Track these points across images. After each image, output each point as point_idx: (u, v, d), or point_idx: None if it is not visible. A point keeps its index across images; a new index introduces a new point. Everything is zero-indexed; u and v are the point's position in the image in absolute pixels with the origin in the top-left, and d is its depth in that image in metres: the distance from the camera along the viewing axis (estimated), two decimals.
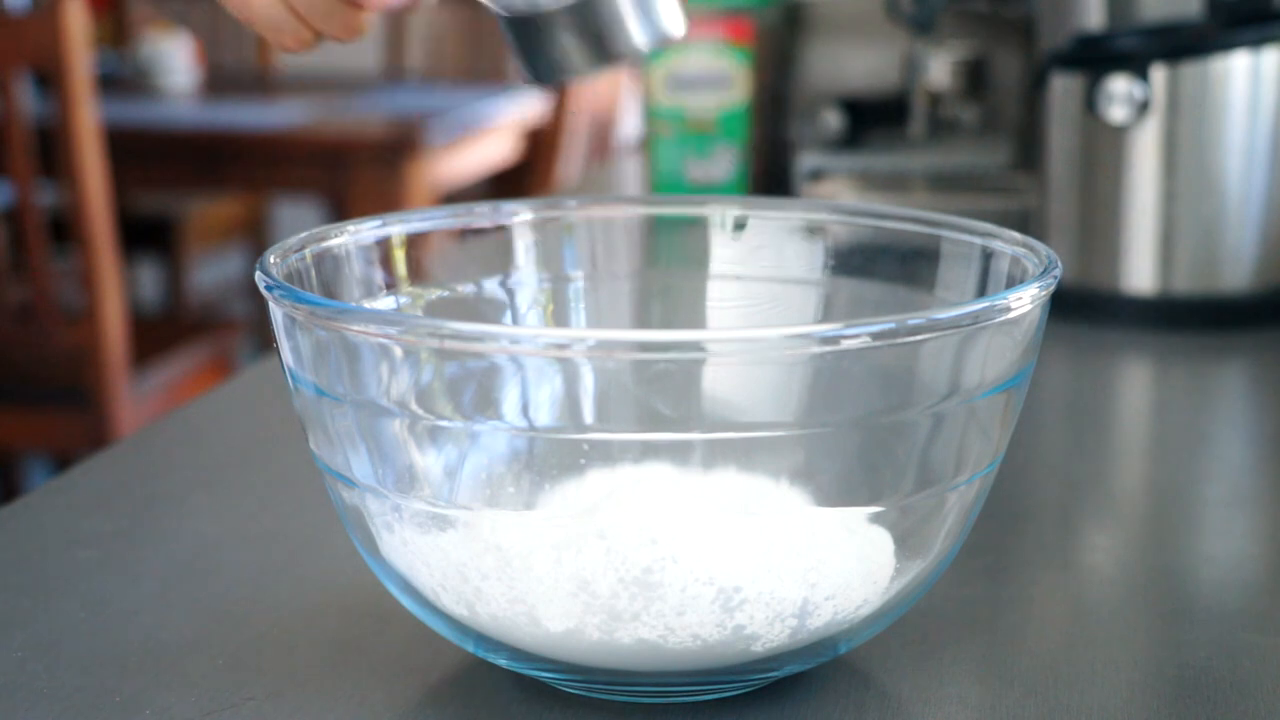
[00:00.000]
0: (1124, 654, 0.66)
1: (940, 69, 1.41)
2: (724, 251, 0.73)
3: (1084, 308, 1.15)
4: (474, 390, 0.61)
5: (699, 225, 0.74)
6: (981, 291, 0.66)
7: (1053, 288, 0.59)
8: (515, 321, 0.72)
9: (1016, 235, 0.65)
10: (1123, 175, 1.14)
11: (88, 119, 2.21)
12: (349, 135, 2.78)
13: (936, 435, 0.59)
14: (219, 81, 3.40)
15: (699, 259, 0.74)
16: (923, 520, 0.60)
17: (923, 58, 1.41)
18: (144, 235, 3.35)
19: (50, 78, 2.21)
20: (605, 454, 0.61)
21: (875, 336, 0.54)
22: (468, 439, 0.60)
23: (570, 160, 3.36)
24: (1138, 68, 1.12)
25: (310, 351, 0.58)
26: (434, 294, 0.70)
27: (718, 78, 1.42)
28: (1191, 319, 1.13)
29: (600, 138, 3.53)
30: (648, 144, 1.48)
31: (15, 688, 0.62)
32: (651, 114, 1.46)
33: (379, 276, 0.68)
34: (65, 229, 2.32)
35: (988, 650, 0.65)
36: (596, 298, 0.74)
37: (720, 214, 0.73)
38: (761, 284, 0.73)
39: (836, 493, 0.59)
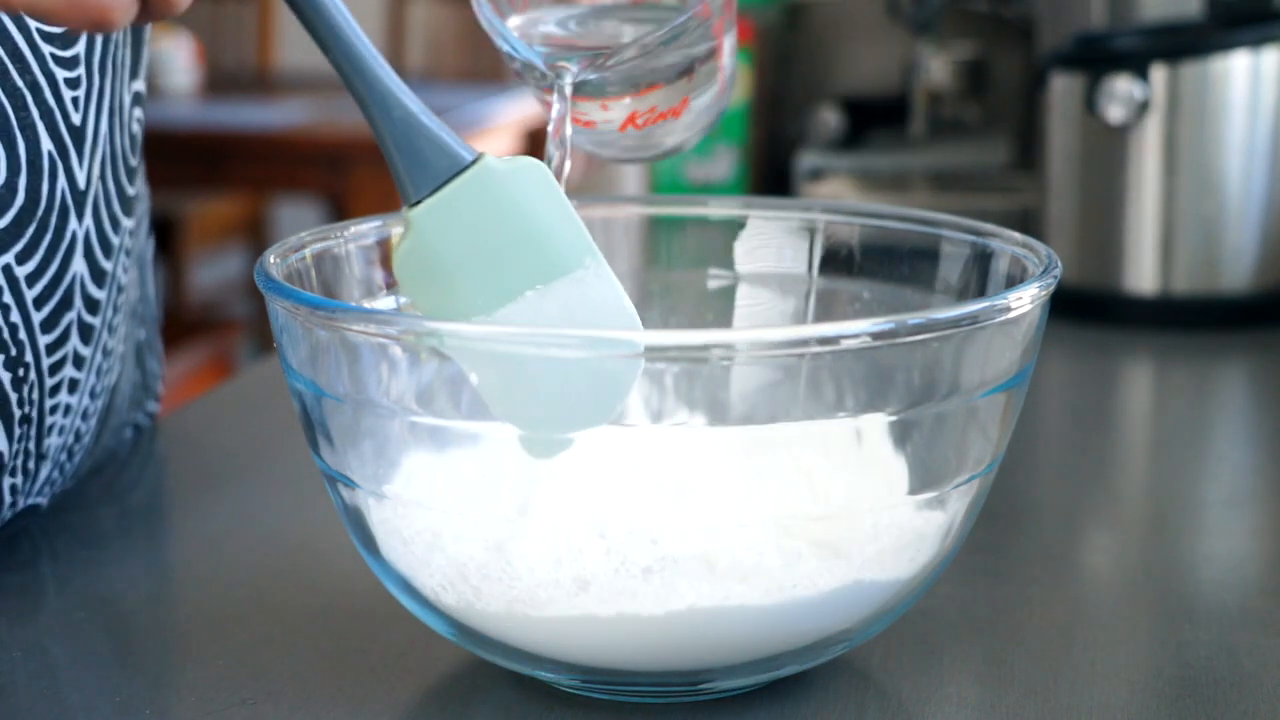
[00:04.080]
0: (1124, 654, 0.66)
1: (940, 69, 1.41)
2: (724, 252, 0.73)
3: (1084, 308, 1.15)
4: (474, 390, 0.61)
5: (699, 225, 0.74)
6: (981, 291, 0.66)
7: (1053, 288, 0.59)
8: None
9: (1016, 235, 0.65)
10: (1123, 175, 1.14)
11: None
12: (349, 135, 2.78)
13: (936, 435, 0.59)
14: (219, 81, 3.40)
15: (699, 259, 0.74)
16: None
17: (923, 58, 1.42)
18: None
19: None
20: (604, 453, 0.61)
21: (875, 336, 0.54)
22: (468, 439, 0.60)
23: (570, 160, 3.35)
24: (1138, 68, 1.12)
25: (310, 351, 0.58)
26: None
27: None
28: (1191, 319, 1.13)
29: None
30: None
31: (15, 687, 0.62)
32: None
33: (379, 276, 0.68)
34: None
35: (988, 650, 0.65)
36: None
37: (720, 214, 0.73)
38: (761, 284, 0.73)
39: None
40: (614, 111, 0.65)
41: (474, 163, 0.56)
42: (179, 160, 2.75)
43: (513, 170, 0.56)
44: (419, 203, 0.56)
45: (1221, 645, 0.65)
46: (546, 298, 0.55)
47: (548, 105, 0.65)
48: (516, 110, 3.21)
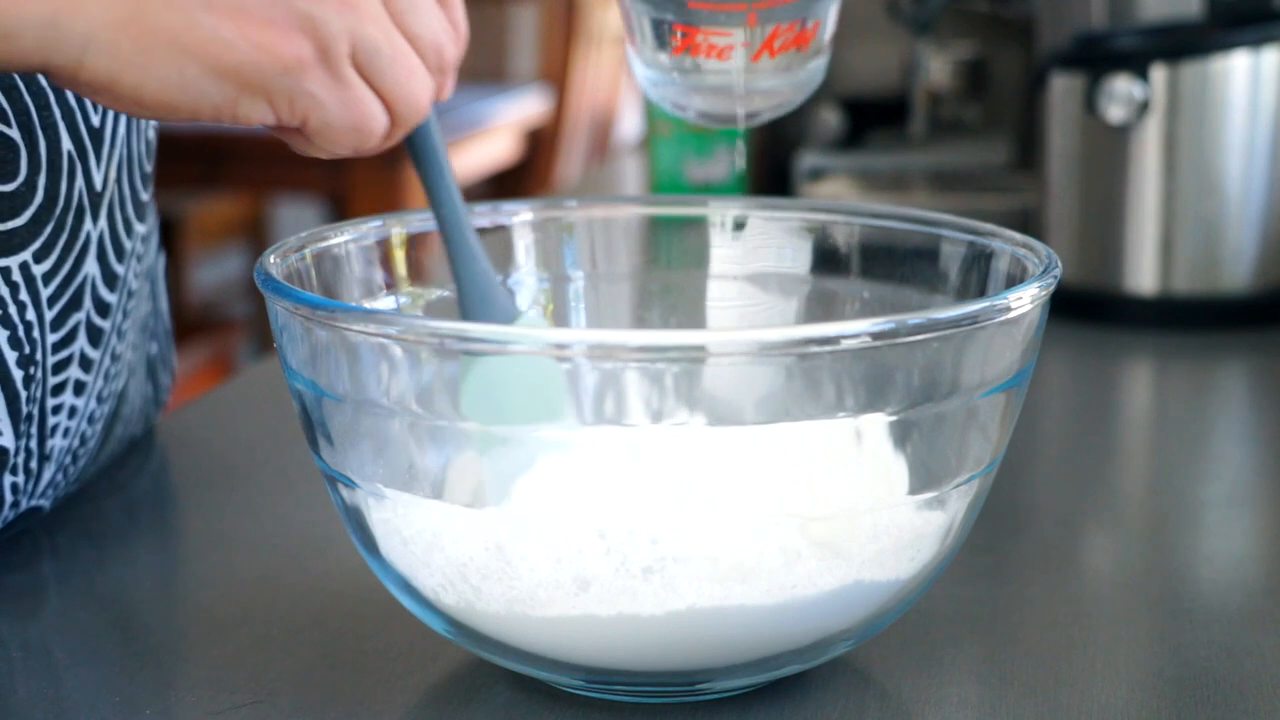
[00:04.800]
0: (1124, 654, 0.66)
1: (940, 69, 1.41)
2: (724, 251, 0.73)
3: (1084, 308, 1.15)
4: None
5: (699, 225, 0.74)
6: (981, 291, 0.66)
7: (1053, 288, 0.59)
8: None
9: (1016, 235, 0.65)
10: (1123, 175, 1.14)
11: None
12: None
13: (936, 435, 0.59)
14: None
15: (699, 259, 0.74)
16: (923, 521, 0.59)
17: (923, 58, 1.42)
18: None
19: None
20: (605, 453, 0.61)
21: (875, 336, 0.54)
22: (468, 439, 0.60)
23: (570, 160, 3.36)
24: (1138, 68, 1.12)
25: (310, 351, 0.58)
26: (434, 294, 0.70)
27: None
28: (1191, 319, 1.13)
29: (600, 138, 3.53)
30: (648, 144, 1.47)
31: (15, 687, 0.62)
32: (651, 114, 1.45)
33: (379, 276, 0.68)
34: None
35: (988, 650, 0.65)
36: (596, 298, 0.74)
37: (720, 214, 0.73)
38: (761, 284, 0.73)
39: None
40: (756, 31, 0.68)
41: (517, 316, 0.65)
42: (179, 160, 2.74)
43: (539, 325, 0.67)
44: None
45: (1221, 645, 0.65)
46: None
47: (680, 40, 0.68)
48: (516, 110, 3.21)
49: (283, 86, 0.57)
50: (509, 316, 0.64)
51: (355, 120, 0.58)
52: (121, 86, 0.56)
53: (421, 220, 0.70)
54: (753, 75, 0.69)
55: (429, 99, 0.60)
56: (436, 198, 0.63)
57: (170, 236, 3.35)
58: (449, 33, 0.61)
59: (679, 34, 0.68)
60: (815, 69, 0.70)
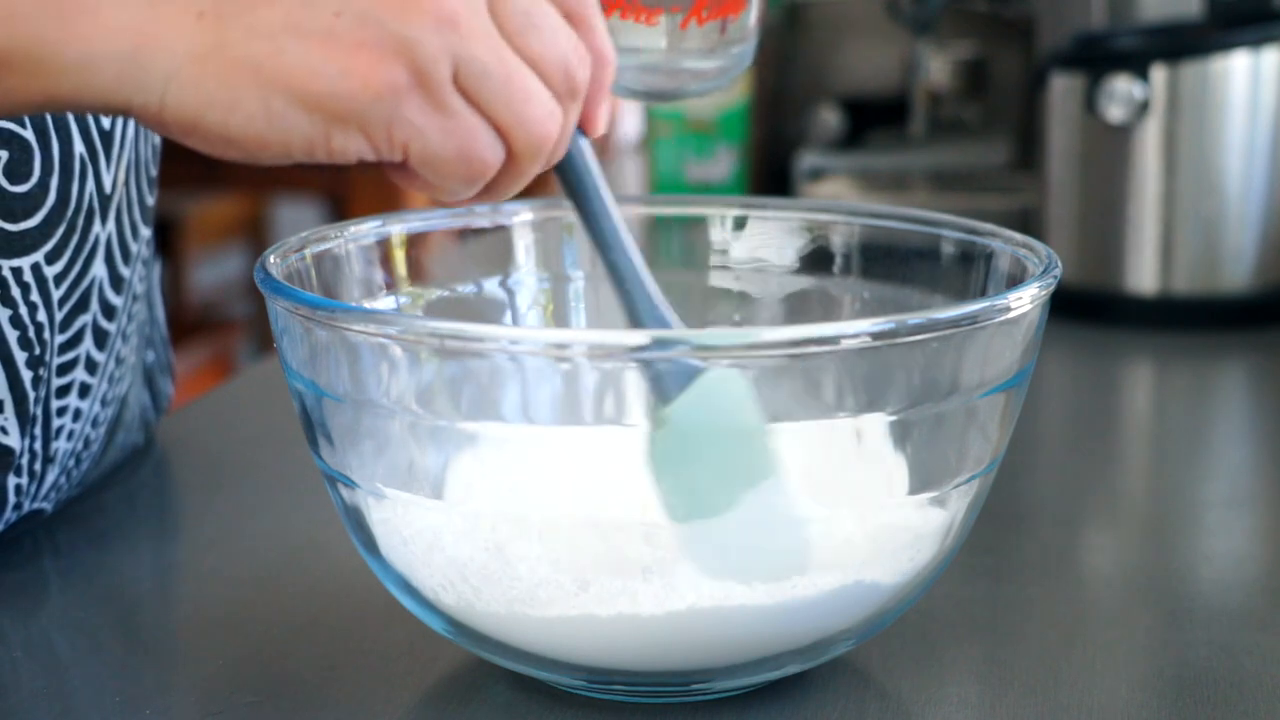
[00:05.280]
0: (1124, 654, 0.66)
1: (940, 69, 1.41)
2: (724, 252, 0.73)
3: (1084, 308, 1.15)
4: (474, 390, 0.61)
5: (699, 225, 0.74)
6: (981, 291, 0.66)
7: (1053, 288, 0.59)
8: (515, 321, 0.72)
9: (1016, 235, 0.65)
10: (1123, 175, 1.14)
11: None
12: None
13: (936, 435, 0.59)
14: None
15: (699, 259, 0.74)
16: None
17: (923, 58, 1.42)
18: None
19: None
20: (604, 453, 0.61)
21: (875, 336, 0.54)
22: (467, 439, 0.60)
23: None
24: (1138, 68, 1.12)
25: (310, 351, 0.58)
26: (434, 294, 0.70)
27: None
28: (1191, 319, 1.13)
29: (600, 138, 3.52)
30: (648, 144, 1.48)
31: (15, 687, 0.62)
32: (651, 114, 1.46)
33: (379, 276, 0.68)
34: None
35: (988, 650, 0.65)
36: (596, 298, 0.74)
37: (720, 214, 0.73)
38: (761, 284, 0.73)
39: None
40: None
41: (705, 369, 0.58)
42: (179, 160, 2.74)
43: (735, 376, 0.58)
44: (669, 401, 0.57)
45: (1221, 645, 0.65)
46: (765, 491, 0.57)
47: (608, 3, 0.66)
48: None
49: (377, 115, 0.52)
50: (695, 368, 0.58)
51: (461, 149, 0.53)
52: (207, 124, 0.53)
53: (421, 220, 0.70)
54: (677, 54, 0.68)
55: (554, 126, 0.55)
56: (601, 241, 0.59)
57: (170, 236, 3.35)
58: (580, 54, 0.55)
59: None
60: (740, 54, 0.70)
